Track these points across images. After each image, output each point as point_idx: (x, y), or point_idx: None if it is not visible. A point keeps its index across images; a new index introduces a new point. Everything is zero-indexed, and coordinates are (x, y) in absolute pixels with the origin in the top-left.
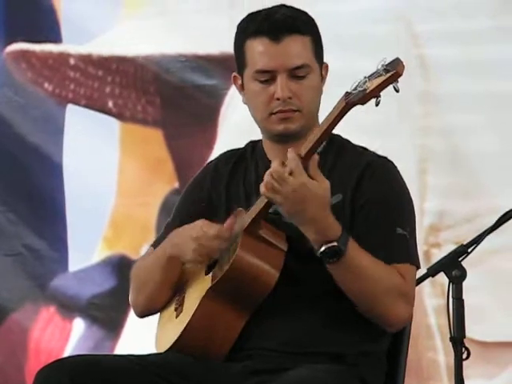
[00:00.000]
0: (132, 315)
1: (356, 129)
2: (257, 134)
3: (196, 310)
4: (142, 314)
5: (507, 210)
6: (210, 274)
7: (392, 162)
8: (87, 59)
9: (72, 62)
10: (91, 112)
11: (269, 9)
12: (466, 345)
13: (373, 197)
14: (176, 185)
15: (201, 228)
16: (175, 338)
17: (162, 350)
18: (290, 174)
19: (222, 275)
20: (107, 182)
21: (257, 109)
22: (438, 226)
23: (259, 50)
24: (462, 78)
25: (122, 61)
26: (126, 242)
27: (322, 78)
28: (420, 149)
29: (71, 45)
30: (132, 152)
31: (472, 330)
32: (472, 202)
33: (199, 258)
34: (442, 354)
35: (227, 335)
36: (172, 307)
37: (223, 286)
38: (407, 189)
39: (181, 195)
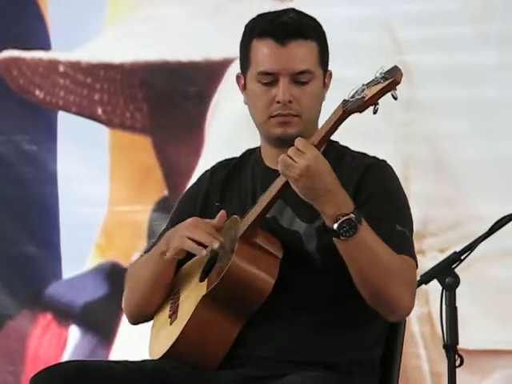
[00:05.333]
0: (124, 322)
1: (340, 135)
2: (244, 139)
3: (190, 317)
4: (135, 318)
5: (490, 216)
6: (205, 281)
7: (390, 166)
8: (76, 66)
9: (61, 69)
10: (81, 119)
11: (278, 11)
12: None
13: (374, 195)
14: (165, 192)
15: (194, 219)
16: (169, 345)
17: (156, 356)
18: (301, 151)
19: (217, 282)
20: (99, 190)
21: (257, 110)
22: (421, 232)
23: (264, 51)
24: (445, 85)
25: (109, 68)
26: (117, 249)
27: (325, 86)
28: (404, 155)
29: (60, 52)
30: (122, 159)
31: None
32: (456, 210)
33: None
34: (425, 362)
35: (222, 343)
36: (166, 314)
37: (218, 293)
38: (403, 191)
39: (175, 204)
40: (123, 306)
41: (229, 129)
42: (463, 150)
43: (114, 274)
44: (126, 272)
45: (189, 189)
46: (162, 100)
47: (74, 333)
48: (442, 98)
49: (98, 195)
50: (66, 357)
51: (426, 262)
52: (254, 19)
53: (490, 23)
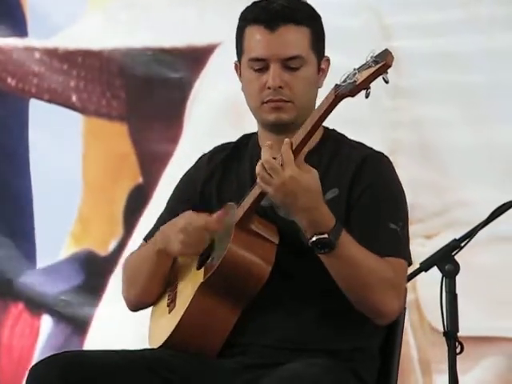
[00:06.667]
0: (99, 311)
1: (326, 122)
2: (224, 127)
3: (189, 305)
4: (135, 307)
5: (477, 202)
6: (203, 269)
7: (388, 158)
8: (53, 53)
9: (37, 56)
10: (54, 106)
11: None
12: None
13: (368, 190)
14: (140, 180)
15: (188, 218)
16: (168, 334)
17: (156, 345)
18: (282, 165)
19: (214, 269)
20: (73, 178)
21: (250, 97)
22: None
23: (255, 38)
24: (432, 71)
25: (87, 54)
26: (93, 237)
27: (321, 72)
28: (390, 142)
29: (37, 39)
30: (96, 147)
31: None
32: (442, 196)
33: (185, 250)
34: (414, 349)
35: (220, 330)
36: (165, 302)
37: (215, 281)
38: (401, 184)
39: (174, 187)
40: (122, 295)
41: (209, 116)
42: (450, 136)
43: (89, 263)
44: (124, 263)
45: (186, 174)
46: (141, 87)
47: (46, 322)
48: (429, 83)
49: (72, 183)
50: (38, 346)
51: (413, 248)
52: (248, 7)
53: (477, 8)
